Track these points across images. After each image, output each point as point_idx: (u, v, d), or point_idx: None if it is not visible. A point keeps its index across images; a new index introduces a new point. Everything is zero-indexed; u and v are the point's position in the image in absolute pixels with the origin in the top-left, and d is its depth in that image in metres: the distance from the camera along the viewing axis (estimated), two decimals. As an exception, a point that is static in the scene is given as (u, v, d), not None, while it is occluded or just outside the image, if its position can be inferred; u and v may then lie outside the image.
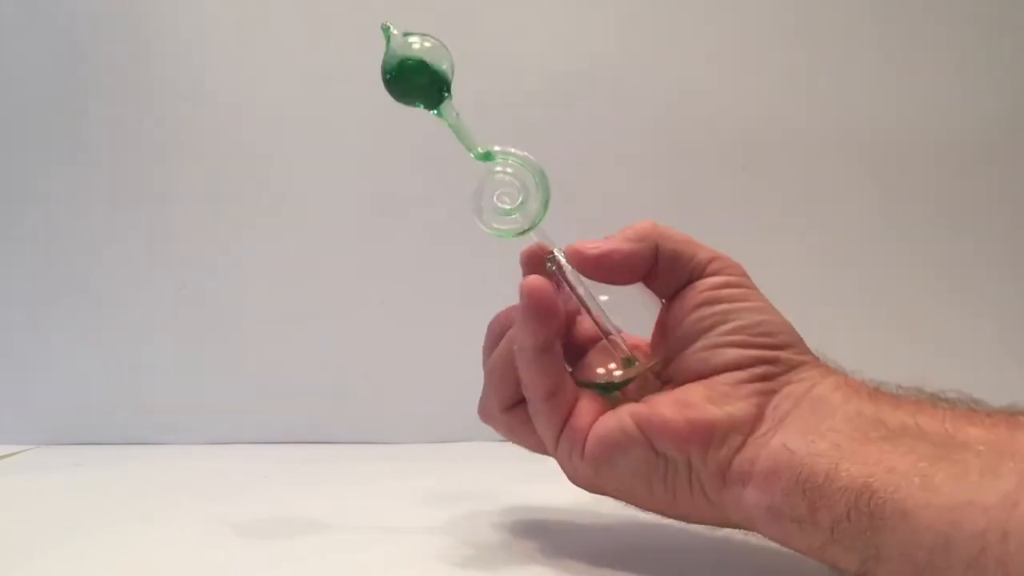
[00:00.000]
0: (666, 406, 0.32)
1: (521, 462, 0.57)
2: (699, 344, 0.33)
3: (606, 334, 0.35)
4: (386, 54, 0.35)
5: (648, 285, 0.35)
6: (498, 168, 0.36)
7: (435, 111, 0.36)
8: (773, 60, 0.67)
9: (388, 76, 0.35)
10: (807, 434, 0.29)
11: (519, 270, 0.68)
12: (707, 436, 0.31)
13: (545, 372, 0.34)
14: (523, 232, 0.36)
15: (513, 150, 0.35)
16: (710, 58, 0.67)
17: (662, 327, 0.35)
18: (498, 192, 0.36)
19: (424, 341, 0.65)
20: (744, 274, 0.35)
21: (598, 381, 0.35)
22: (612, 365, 0.35)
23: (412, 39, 0.35)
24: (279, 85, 0.66)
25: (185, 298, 0.65)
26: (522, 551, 0.36)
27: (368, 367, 0.65)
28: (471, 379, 0.65)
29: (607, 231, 0.36)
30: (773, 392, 0.31)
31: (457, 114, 0.35)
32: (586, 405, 0.34)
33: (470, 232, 0.65)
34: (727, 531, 0.34)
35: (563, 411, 0.34)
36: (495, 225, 0.36)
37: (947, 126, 0.67)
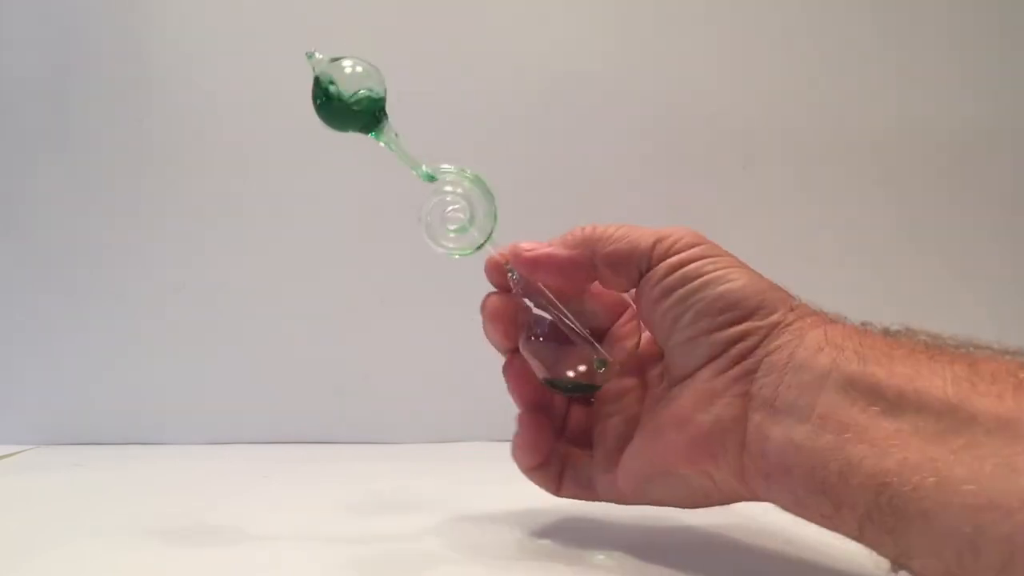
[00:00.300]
0: (670, 429, 0.31)
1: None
2: (672, 342, 0.32)
3: (575, 334, 0.35)
4: (314, 84, 0.34)
5: (605, 287, 0.35)
6: (447, 187, 0.35)
7: (372, 134, 0.35)
8: (773, 60, 0.67)
9: (318, 104, 0.34)
10: (805, 419, 0.27)
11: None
12: (708, 448, 0.30)
13: (522, 379, 0.34)
14: (480, 246, 0.36)
15: (446, 166, 0.35)
16: (710, 58, 0.67)
17: (638, 323, 0.35)
18: (448, 210, 0.35)
19: (424, 341, 0.65)
20: (692, 243, 0.33)
21: (566, 383, 0.35)
22: (582, 368, 0.34)
23: (343, 64, 0.34)
24: (279, 85, 0.66)
25: (184, 298, 0.65)
26: (522, 551, 0.36)
27: (368, 367, 0.65)
28: (471, 379, 0.65)
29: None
30: (754, 371, 0.29)
31: (396, 135, 0.35)
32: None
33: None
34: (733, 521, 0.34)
35: (549, 425, 0.34)
36: (450, 245, 0.36)
37: (947, 126, 0.67)
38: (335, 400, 0.65)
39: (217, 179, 0.66)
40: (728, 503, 0.32)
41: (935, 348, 0.28)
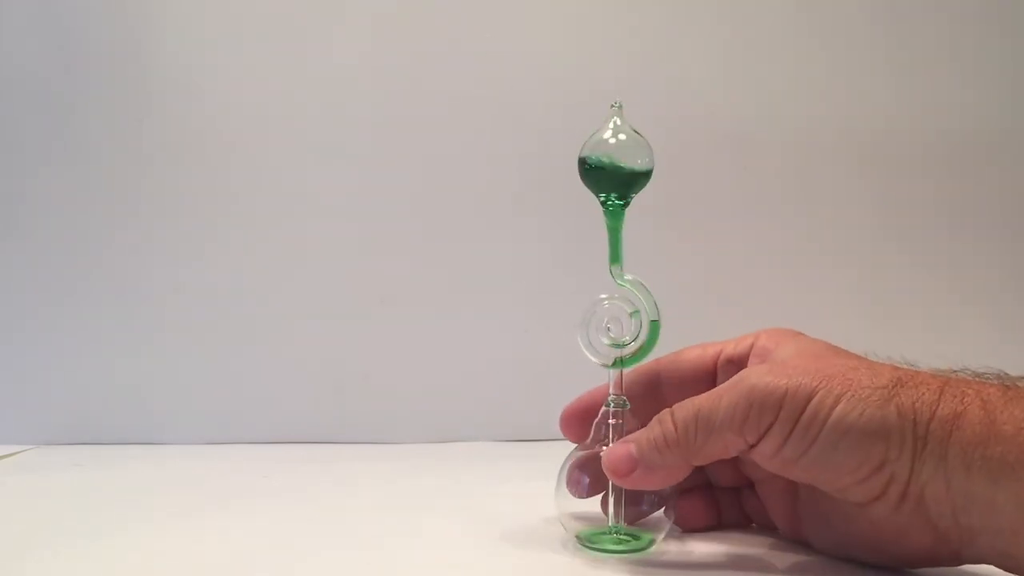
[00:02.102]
0: (875, 542, 0.31)
1: (521, 461, 0.57)
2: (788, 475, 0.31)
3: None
4: (618, 144, 0.35)
5: None
6: (620, 302, 0.36)
7: (613, 206, 0.36)
8: (773, 60, 0.67)
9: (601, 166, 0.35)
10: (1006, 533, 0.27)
11: (518, 271, 0.69)
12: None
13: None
14: (610, 366, 0.36)
15: (643, 283, 0.36)
16: (710, 58, 0.67)
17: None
18: (608, 319, 0.36)
19: (424, 341, 0.65)
20: (746, 354, 0.35)
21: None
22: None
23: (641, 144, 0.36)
24: (279, 85, 0.66)
25: (184, 298, 0.65)
26: (523, 550, 0.36)
27: (368, 367, 0.65)
28: (471, 379, 0.65)
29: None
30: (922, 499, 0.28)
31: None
32: None
33: (470, 232, 0.66)
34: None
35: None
36: (591, 344, 0.36)
37: (946, 126, 0.67)
38: (335, 400, 0.65)
39: (217, 179, 0.66)
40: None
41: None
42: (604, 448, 0.35)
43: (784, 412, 0.29)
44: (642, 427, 0.34)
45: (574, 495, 0.36)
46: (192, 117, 0.66)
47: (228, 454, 0.61)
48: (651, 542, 0.35)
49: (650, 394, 0.37)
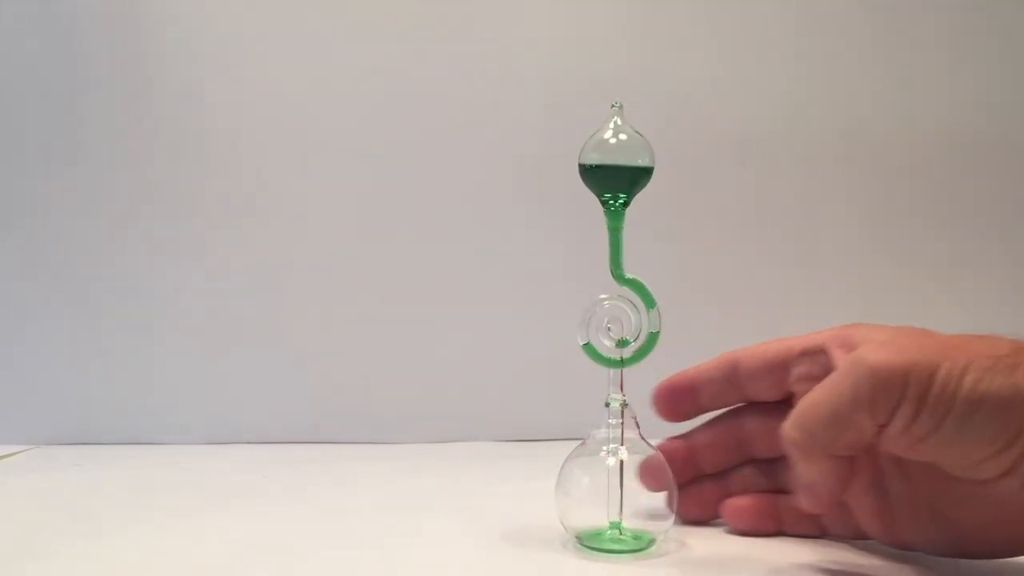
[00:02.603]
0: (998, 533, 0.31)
1: (521, 461, 0.57)
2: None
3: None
4: (618, 142, 0.35)
5: None
6: (620, 303, 0.36)
7: (614, 207, 0.36)
8: (772, 59, 0.67)
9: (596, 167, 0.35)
10: None
11: (518, 272, 0.69)
12: None
13: None
14: (612, 364, 0.36)
15: (644, 283, 0.36)
16: (710, 57, 0.67)
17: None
18: (608, 319, 0.36)
19: (424, 341, 0.65)
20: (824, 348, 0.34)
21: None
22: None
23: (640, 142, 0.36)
24: (279, 85, 0.66)
25: (185, 298, 0.65)
26: (522, 550, 0.36)
27: (368, 367, 0.65)
28: (471, 379, 0.65)
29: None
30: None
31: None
32: None
33: (470, 232, 0.66)
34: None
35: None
36: (590, 342, 0.36)
37: (946, 126, 0.67)
38: (335, 400, 0.65)
39: (217, 180, 0.66)
40: None
41: None
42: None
43: (911, 389, 0.28)
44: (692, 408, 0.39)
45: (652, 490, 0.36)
46: (193, 119, 0.66)
47: (228, 454, 0.61)
48: (651, 542, 0.36)
49: (727, 380, 0.38)
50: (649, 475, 0.36)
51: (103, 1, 0.65)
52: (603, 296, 0.36)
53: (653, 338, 0.35)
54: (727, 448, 0.39)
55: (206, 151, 0.66)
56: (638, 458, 0.36)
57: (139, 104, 0.66)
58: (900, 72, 0.68)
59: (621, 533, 0.36)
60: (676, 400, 0.39)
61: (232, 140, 0.66)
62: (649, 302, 0.35)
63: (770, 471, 0.38)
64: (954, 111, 0.67)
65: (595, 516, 0.36)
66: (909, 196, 0.66)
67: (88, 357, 0.66)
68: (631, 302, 0.36)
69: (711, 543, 0.37)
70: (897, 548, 0.34)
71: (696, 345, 0.64)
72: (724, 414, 0.39)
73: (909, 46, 0.67)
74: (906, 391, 0.28)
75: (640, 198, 0.36)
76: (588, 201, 0.37)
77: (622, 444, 0.36)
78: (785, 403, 0.35)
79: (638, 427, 0.36)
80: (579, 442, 0.37)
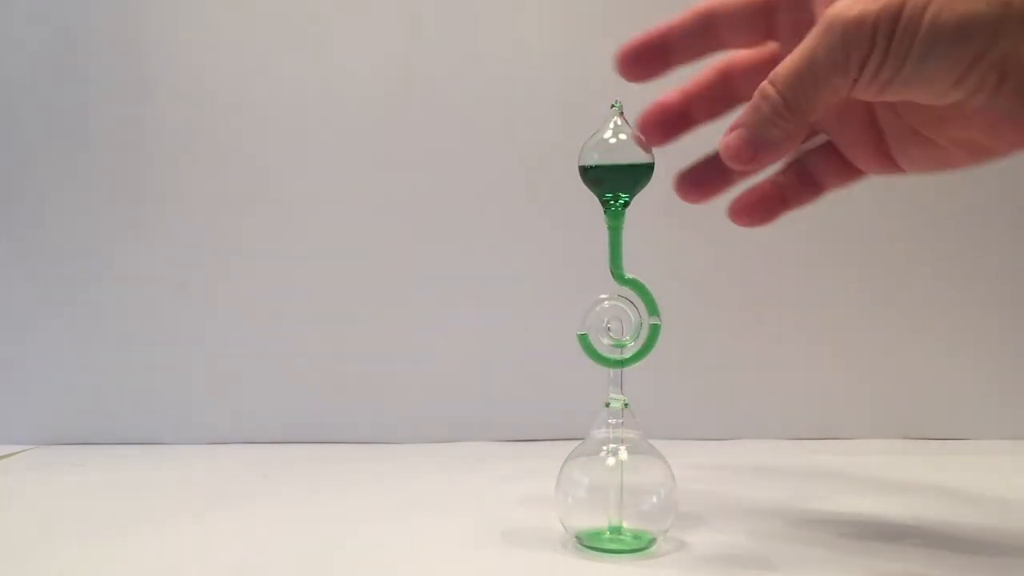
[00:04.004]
0: (963, 152, 0.33)
1: (521, 461, 0.57)
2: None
3: None
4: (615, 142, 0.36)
5: None
6: (621, 304, 0.36)
7: (614, 206, 0.36)
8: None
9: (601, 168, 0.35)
10: None
11: (518, 271, 0.69)
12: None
13: None
14: (612, 364, 0.36)
15: (644, 283, 0.36)
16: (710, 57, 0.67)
17: None
18: (608, 319, 0.36)
19: (424, 341, 0.65)
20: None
21: None
22: None
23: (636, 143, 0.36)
24: (279, 85, 0.66)
25: (184, 298, 0.65)
26: (522, 550, 0.36)
27: (368, 367, 0.65)
28: (471, 379, 0.65)
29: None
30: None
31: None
32: None
33: (470, 232, 0.66)
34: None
35: None
36: (592, 344, 0.36)
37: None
38: (335, 400, 0.65)
39: (217, 180, 0.66)
40: None
41: None
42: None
43: (880, 34, 0.29)
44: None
45: (690, 200, 0.37)
46: (192, 118, 0.66)
47: (228, 454, 0.61)
48: (651, 542, 0.36)
49: (702, 30, 0.37)
50: (650, 126, 0.36)
51: (103, 0, 0.65)
52: (603, 296, 0.36)
53: (653, 338, 0.36)
54: (716, 96, 0.38)
55: (206, 152, 0.66)
56: (638, 458, 0.36)
57: (137, 103, 0.66)
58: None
59: (621, 533, 0.36)
60: (644, 55, 0.37)
61: (233, 140, 0.66)
62: (649, 302, 0.36)
63: None
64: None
65: (595, 516, 0.36)
66: (912, 190, 0.66)
67: (88, 357, 0.66)
68: (631, 302, 0.36)
69: (711, 543, 0.37)
70: (890, 174, 0.36)
71: (696, 345, 0.65)
72: (707, 68, 0.39)
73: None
74: (876, 38, 0.29)
75: (640, 198, 0.36)
76: (589, 202, 0.37)
77: (622, 444, 0.36)
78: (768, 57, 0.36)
79: (638, 427, 0.36)
80: (579, 442, 0.37)
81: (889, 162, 0.36)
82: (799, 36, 0.31)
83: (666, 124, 0.38)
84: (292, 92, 0.66)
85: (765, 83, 0.32)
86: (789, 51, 0.31)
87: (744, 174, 0.38)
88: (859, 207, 0.66)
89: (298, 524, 0.42)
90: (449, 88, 0.65)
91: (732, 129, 0.33)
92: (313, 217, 0.66)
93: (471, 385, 0.65)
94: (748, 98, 0.33)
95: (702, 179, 0.39)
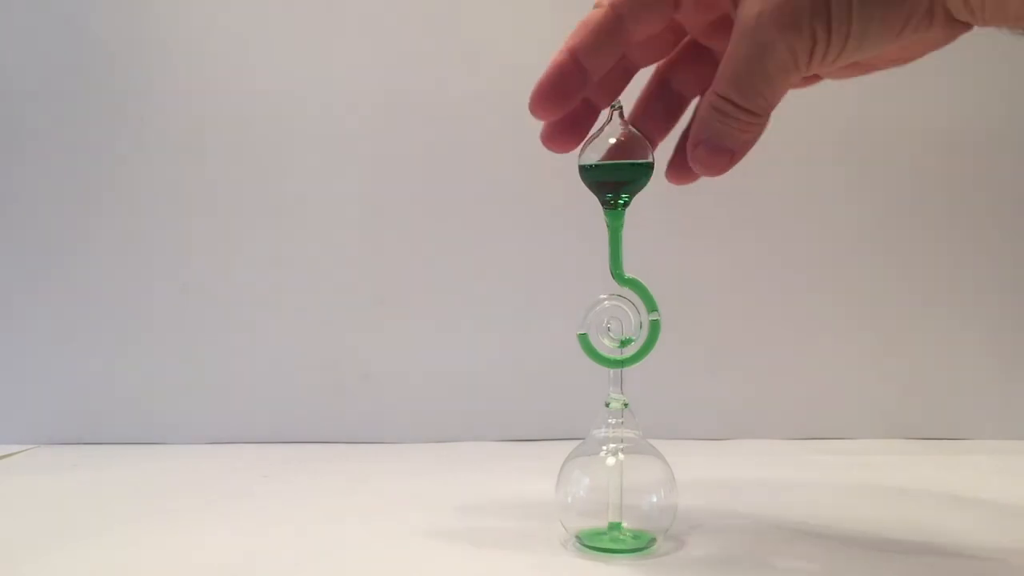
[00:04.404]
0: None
1: (521, 461, 0.57)
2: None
3: None
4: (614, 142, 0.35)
5: None
6: (620, 304, 0.36)
7: (614, 206, 0.36)
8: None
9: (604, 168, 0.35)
10: None
11: (518, 271, 0.68)
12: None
13: None
14: (611, 364, 0.36)
15: (643, 283, 0.36)
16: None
17: None
18: (608, 319, 0.36)
19: (424, 341, 0.65)
20: None
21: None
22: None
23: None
24: (280, 86, 0.66)
25: (185, 298, 0.65)
26: (523, 550, 0.36)
27: (368, 367, 0.65)
28: (471, 379, 0.65)
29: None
30: None
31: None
32: None
33: (470, 232, 0.66)
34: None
35: None
36: (592, 344, 0.36)
37: (946, 126, 0.66)
38: (335, 400, 0.65)
39: (218, 180, 0.66)
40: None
41: None
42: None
43: (819, 27, 0.29)
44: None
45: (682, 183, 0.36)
46: (195, 117, 0.66)
47: (228, 454, 0.61)
48: (651, 542, 0.36)
49: (610, 33, 0.34)
50: (540, 97, 0.34)
51: (104, 1, 0.65)
52: (603, 296, 0.36)
53: (653, 336, 0.35)
54: (612, 57, 0.35)
55: (207, 151, 0.66)
56: (638, 458, 0.36)
57: (139, 103, 0.66)
58: (900, 70, 0.67)
59: (621, 533, 0.36)
60: (563, 79, 0.34)
61: (233, 140, 0.66)
62: (649, 302, 0.36)
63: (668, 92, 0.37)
64: (956, 109, 0.67)
65: (595, 516, 0.36)
66: (909, 195, 0.66)
67: (88, 357, 0.66)
68: (631, 302, 0.36)
69: (711, 543, 0.37)
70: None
71: (696, 345, 0.65)
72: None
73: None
74: (815, 32, 0.29)
75: (640, 198, 0.36)
76: (589, 201, 0.37)
77: (622, 444, 0.36)
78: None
79: (638, 427, 0.36)
80: (579, 442, 0.37)
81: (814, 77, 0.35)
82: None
83: (565, 83, 0.35)
84: (292, 92, 0.66)
85: (713, 96, 0.32)
86: (696, 16, 0.32)
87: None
88: (859, 207, 0.66)
89: (298, 524, 0.42)
90: (449, 87, 0.65)
91: (695, 145, 0.33)
92: (313, 217, 0.66)
93: (471, 385, 0.65)
94: (640, 37, 0.33)
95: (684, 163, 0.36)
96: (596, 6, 0.34)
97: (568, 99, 0.34)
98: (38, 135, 0.66)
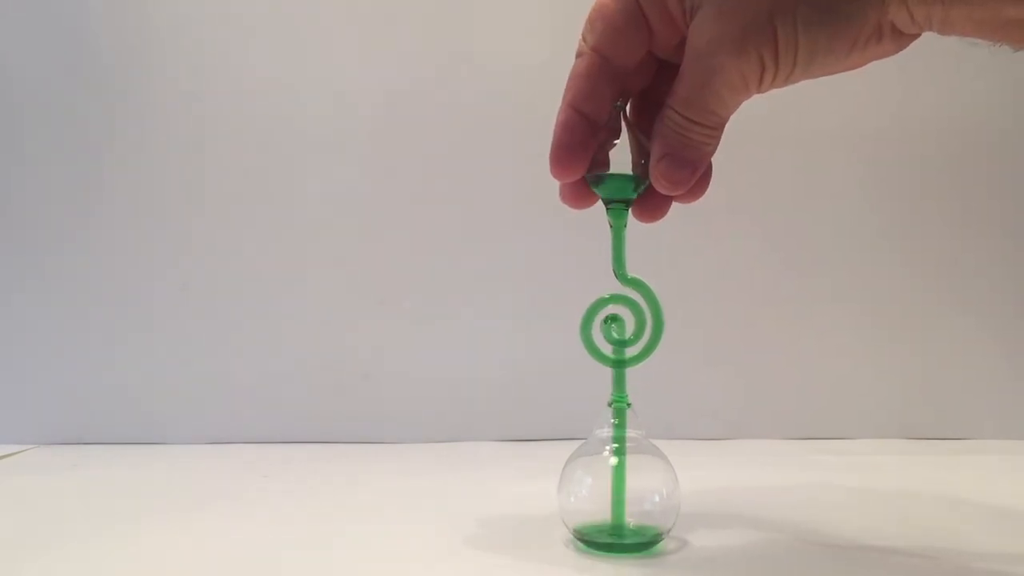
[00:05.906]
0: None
1: (521, 461, 0.57)
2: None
3: None
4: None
5: None
6: (621, 298, 0.36)
7: (617, 206, 0.36)
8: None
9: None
10: None
11: (519, 271, 0.68)
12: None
13: None
14: (614, 363, 0.36)
15: (646, 282, 0.36)
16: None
17: None
18: (611, 318, 0.36)
19: (424, 341, 0.65)
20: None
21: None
22: None
23: None
24: (280, 86, 0.66)
25: (185, 298, 0.65)
26: (523, 550, 0.36)
27: (368, 367, 0.65)
28: (471, 379, 0.65)
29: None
30: None
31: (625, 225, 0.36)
32: None
33: (470, 232, 0.66)
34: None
35: None
36: (594, 344, 0.36)
37: (945, 126, 0.66)
38: (335, 400, 0.65)
39: (218, 179, 0.66)
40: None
41: None
42: None
43: (767, 58, 0.30)
44: None
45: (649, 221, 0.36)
46: (194, 117, 0.66)
47: (228, 454, 0.61)
48: (652, 542, 0.36)
49: (600, 75, 0.35)
50: (559, 160, 0.35)
51: (104, 1, 0.65)
52: (605, 295, 0.36)
53: (656, 338, 0.35)
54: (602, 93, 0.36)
55: (207, 151, 0.66)
56: (641, 458, 0.36)
57: (138, 104, 0.66)
58: (900, 69, 0.67)
59: (624, 533, 0.36)
60: (573, 135, 0.35)
61: (234, 140, 0.66)
62: (652, 301, 0.35)
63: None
64: (956, 109, 0.67)
65: (597, 516, 0.36)
66: (911, 194, 0.66)
67: (87, 357, 0.66)
68: (634, 302, 0.36)
69: (712, 543, 0.37)
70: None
71: (697, 345, 0.65)
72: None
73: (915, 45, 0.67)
74: (763, 60, 0.30)
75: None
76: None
77: (624, 444, 0.36)
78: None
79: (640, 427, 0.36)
80: (581, 442, 0.37)
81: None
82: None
83: (582, 141, 0.35)
84: (293, 92, 0.66)
85: (670, 111, 0.32)
86: (665, 39, 0.33)
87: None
88: (859, 207, 0.66)
89: (298, 524, 0.41)
90: (450, 87, 0.65)
91: (659, 159, 0.33)
92: (313, 217, 0.66)
93: (471, 385, 0.65)
94: (625, 60, 0.34)
95: (651, 203, 0.37)
96: (577, 55, 0.36)
97: (585, 151, 0.35)
98: (38, 135, 0.66)
